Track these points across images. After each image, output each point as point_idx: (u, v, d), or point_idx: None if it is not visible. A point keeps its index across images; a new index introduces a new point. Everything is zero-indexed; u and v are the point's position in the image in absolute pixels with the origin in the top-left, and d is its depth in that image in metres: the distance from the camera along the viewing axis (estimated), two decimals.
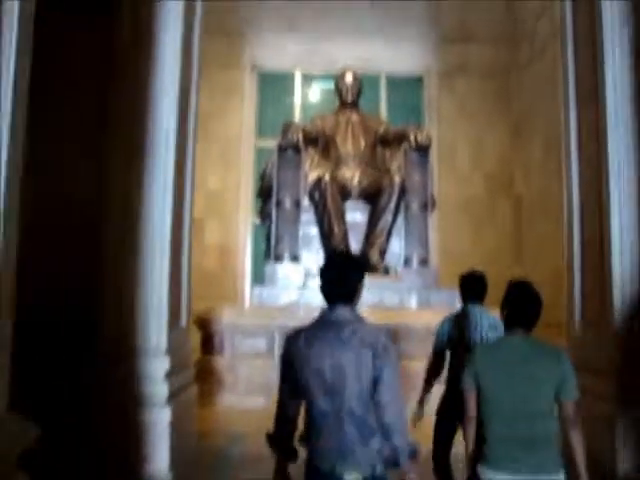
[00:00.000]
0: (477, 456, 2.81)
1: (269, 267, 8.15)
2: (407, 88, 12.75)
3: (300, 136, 8.19)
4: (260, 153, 11.64)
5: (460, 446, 3.15)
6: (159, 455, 4.04)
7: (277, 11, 12.41)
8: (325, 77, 11.55)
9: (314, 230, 8.43)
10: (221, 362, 6.89)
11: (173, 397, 4.29)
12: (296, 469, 2.66)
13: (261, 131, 12.31)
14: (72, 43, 4.38)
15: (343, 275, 2.56)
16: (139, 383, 4.10)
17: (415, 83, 12.75)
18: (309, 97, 12.88)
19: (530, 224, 11.65)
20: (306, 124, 9.31)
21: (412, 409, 3.98)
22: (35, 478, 2.47)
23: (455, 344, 4.03)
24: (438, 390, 4.14)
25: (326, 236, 8.14)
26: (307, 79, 12.81)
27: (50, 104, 4.22)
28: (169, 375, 4.23)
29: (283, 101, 12.67)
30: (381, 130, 9.03)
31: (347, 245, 8.08)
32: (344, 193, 8.39)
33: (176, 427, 4.25)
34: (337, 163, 8.61)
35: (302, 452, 2.61)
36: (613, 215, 4.40)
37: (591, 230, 4.74)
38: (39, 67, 4.29)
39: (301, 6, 12.40)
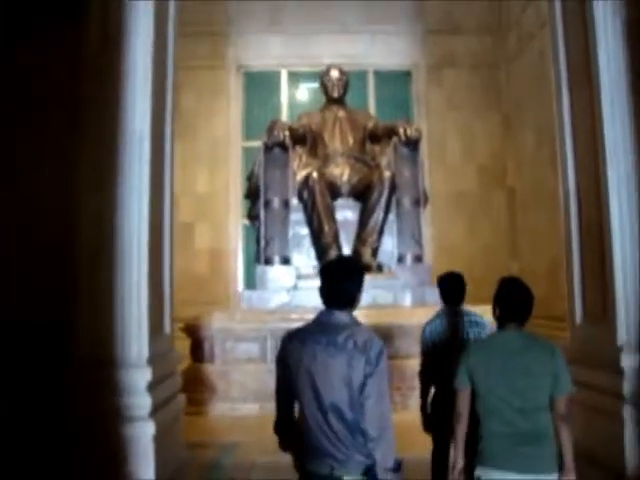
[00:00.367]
0: (472, 455, 2.79)
1: (259, 270, 7.95)
2: (395, 83, 12.57)
3: (286, 134, 7.98)
4: (248, 154, 11.41)
5: None
6: (143, 471, 3.82)
7: (260, 10, 12.23)
8: (311, 75, 11.34)
9: (304, 230, 8.22)
10: (212, 369, 6.68)
11: (157, 409, 4.07)
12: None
13: (249, 132, 12.10)
14: (41, 43, 4.16)
15: (343, 281, 2.57)
16: (120, 395, 3.88)
17: (403, 77, 12.57)
18: (296, 96, 12.69)
19: (525, 216, 11.51)
20: (292, 122, 9.13)
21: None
22: None
23: (441, 348, 3.99)
24: None
25: (316, 235, 7.94)
26: (293, 78, 12.62)
27: (19, 105, 4.04)
28: (152, 386, 4.00)
29: (270, 101, 12.47)
30: (370, 125, 8.84)
31: (338, 244, 7.88)
32: (334, 191, 8.19)
33: (161, 440, 4.03)
34: (325, 160, 8.41)
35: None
36: (612, 199, 4.20)
37: (589, 217, 4.54)
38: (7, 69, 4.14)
39: (284, 4, 12.22)
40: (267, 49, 12.25)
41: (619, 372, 4.13)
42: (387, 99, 12.39)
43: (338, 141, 8.60)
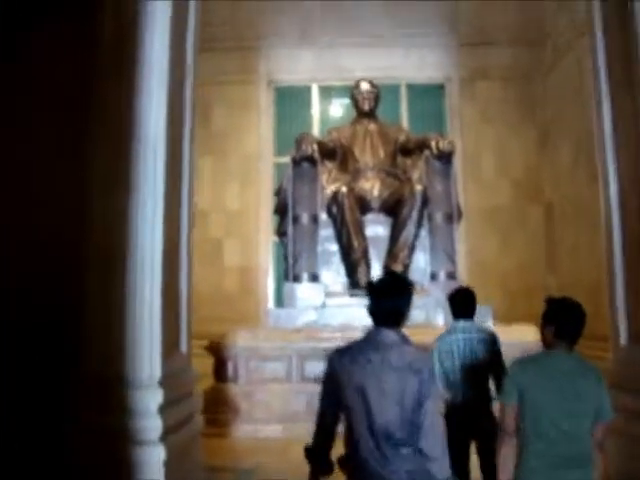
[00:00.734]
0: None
1: (287, 287, 7.73)
2: (428, 96, 12.32)
3: (315, 147, 7.77)
4: (279, 170, 11.23)
5: None
6: None
7: (290, 24, 12.13)
8: (343, 89, 11.16)
9: (334, 246, 7.98)
10: (235, 389, 6.44)
11: (170, 432, 3.85)
12: None
13: (280, 147, 11.95)
14: (54, 43, 4.03)
15: (393, 299, 2.59)
16: (129, 417, 3.67)
17: (436, 91, 12.31)
18: (327, 111, 12.52)
19: (562, 231, 11.11)
20: (323, 137, 8.95)
21: None
22: None
23: (452, 364, 3.97)
24: None
25: (345, 251, 7.70)
26: (324, 92, 12.47)
27: (32, 105, 3.90)
28: (164, 408, 3.78)
29: (301, 116, 12.32)
30: (401, 138, 8.59)
31: (367, 260, 7.62)
32: (364, 206, 7.95)
33: (174, 465, 3.81)
34: (355, 175, 8.18)
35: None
36: None
37: (633, 232, 4.22)
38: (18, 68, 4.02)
39: (315, 17, 12.11)
40: (298, 63, 12.14)
41: None
42: (420, 113, 12.14)
43: (369, 155, 8.37)
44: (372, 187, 8.02)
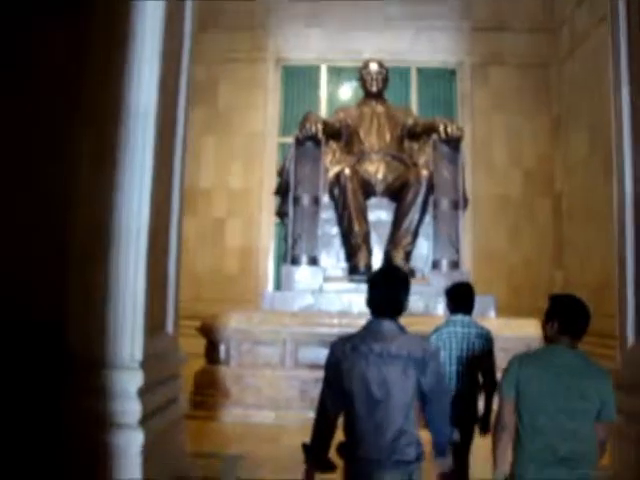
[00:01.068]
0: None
1: (285, 270, 7.52)
2: (439, 81, 12.07)
3: (319, 127, 7.53)
4: (284, 150, 11.02)
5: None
6: None
7: (301, 2, 11.86)
8: (352, 71, 10.88)
9: (335, 229, 7.77)
10: (226, 372, 6.26)
11: (151, 416, 3.67)
12: None
13: (285, 127, 11.75)
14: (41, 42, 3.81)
15: (392, 290, 2.68)
16: (108, 401, 3.49)
17: (447, 75, 12.05)
18: (335, 92, 12.27)
19: (572, 225, 10.88)
20: (329, 117, 8.72)
21: None
22: None
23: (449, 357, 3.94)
24: None
25: (346, 235, 7.48)
26: (333, 73, 12.22)
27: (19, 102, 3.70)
28: (144, 390, 3.59)
29: (308, 96, 12.09)
30: (409, 122, 8.35)
31: (368, 245, 7.41)
32: (367, 189, 7.72)
33: (154, 451, 3.63)
34: (360, 157, 7.96)
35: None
36: None
37: None
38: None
39: None
40: (307, 43, 11.89)
41: None
42: (430, 98, 11.91)
43: (375, 137, 8.14)
44: (377, 170, 7.80)
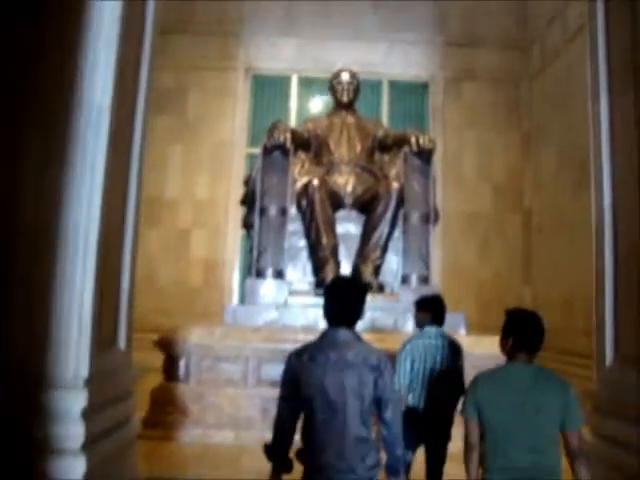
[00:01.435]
0: None
1: (249, 283, 7.24)
2: (411, 94, 11.97)
3: (288, 136, 7.30)
4: (252, 161, 10.79)
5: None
6: None
7: (274, 11, 11.72)
8: (323, 82, 10.71)
9: (302, 242, 7.53)
10: (185, 389, 5.94)
11: (96, 440, 3.37)
12: None
13: (254, 137, 11.50)
14: None
15: (349, 300, 2.71)
16: (48, 424, 3.19)
17: (420, 89, 11.95)
18: (306, 103, 12.08)
19: (540, 241, 10.81)
20: (298, 126, 8.51)
21: None
22: None
23: (423, 369, 3.94)
24: None
25: (313, 248, 7.24)
26: (304, 83, 12.03)
27: None
28: (88, 412, 3.30)
29: (278, 106, 11.88)
30: (380, 134, 8.18)
31: (336, 259, 7.18)
32: (336, 201, 7.50)
33: (99, 479, 3.34)
34: (329, 168, 7.75)
35: (297, 467, 2.66)
36: None
37: (628, 242, 3.82)
38: None
39: (299, 6, 11.69)
40: (279, 52, 11.73)
41: None
42: (402, 111, 11.80)
43: (345, 149, 7.95)
44: (346, 182, 7.60)
